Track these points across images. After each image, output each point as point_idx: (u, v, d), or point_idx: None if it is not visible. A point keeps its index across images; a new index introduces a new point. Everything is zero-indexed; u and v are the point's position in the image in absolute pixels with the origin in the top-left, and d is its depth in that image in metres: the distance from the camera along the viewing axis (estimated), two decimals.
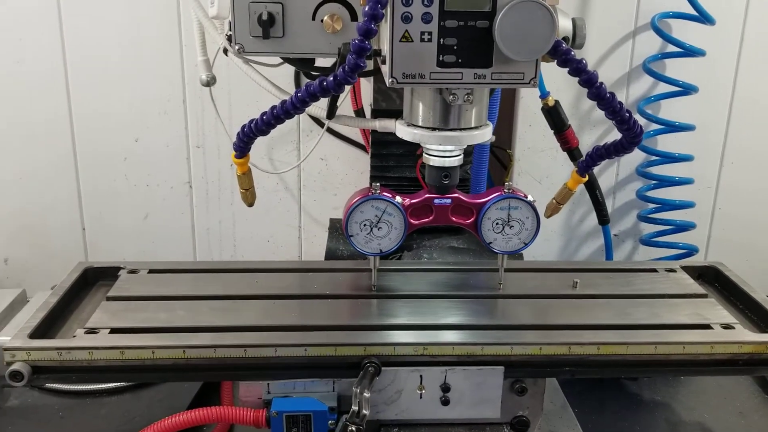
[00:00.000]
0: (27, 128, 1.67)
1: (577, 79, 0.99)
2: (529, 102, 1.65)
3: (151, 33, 1.62)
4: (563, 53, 0.95)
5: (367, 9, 0.89)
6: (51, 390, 1.36)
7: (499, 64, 0.96)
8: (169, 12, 1.61)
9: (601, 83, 0.99)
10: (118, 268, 1.29)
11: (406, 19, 0.93)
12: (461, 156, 1.11)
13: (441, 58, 0.95)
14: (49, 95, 1.65)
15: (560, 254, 1.82)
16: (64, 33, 1.62)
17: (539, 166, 1.73)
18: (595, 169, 1.31)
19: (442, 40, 0.94)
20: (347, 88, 1.11)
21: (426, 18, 0.93)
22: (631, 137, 1.06)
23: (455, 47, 0.95)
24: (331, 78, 0.95)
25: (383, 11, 0.90)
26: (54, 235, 1.76)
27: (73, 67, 1.64)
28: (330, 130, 1.69)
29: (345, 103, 1.47)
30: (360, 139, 1.69)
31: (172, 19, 1.62)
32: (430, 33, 0.94)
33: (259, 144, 1.09)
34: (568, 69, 0.97)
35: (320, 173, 1.76)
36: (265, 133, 1.05)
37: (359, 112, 1.52)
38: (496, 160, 1.70)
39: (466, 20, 0.94)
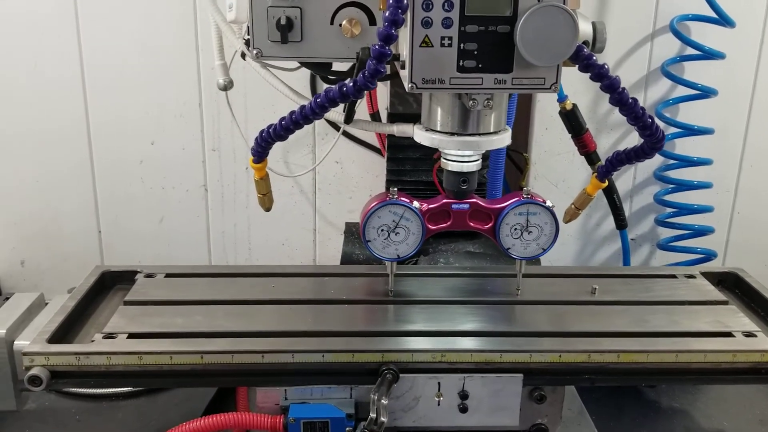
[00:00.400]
0: (44, 132, 1.68)
1: (598, 84, 0.98)
2: (545, 105, 1.63)
3: (168, 37, 1.63)
4: (585, 58, 0.94)
5: (387, 14, 0.88)
6: (68, 393, 1.37)
7: (519, 69, 0.95)
8: (186, 17, 1.61)
9: (623, 88, 0.98)
10: (135, 272, 1.29)
11: (427, 24, 0.93)
12: (480, 161, 1.10)
13: (461, 63, 0.95)
14: (66, 99, 1.66)
15: (576, 258, 1.81)
16: (81, 37, 1.62)
17: (556, 169, 1.71)
18: (613, 174, 1.30)
19: (462, 45, 0.94)
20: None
21: (446, 23, 0.93)
22: (652, 143, 1.04)
23: (475, 52, 0.94)
24: (351, 83, 0.94)
25: (403, 16, 0.89)
26: (70, 238, 1.77)
27: (90, 71, 1.65)
28: (345, 134, 1.69)
29: (361, 107, 1.46)
30: (375, 143, 1.68)
31: (189, 24, 1.62)
32: (450, 38, 0.93)
33: (275, 147, 1.09)
34: (589, 74, 0.96)
35: (335, 176, 1.76)
36: (283, 138, 1.05)
37: (375, 116, 1.51)
38: (512, 163, 1.69)
39: (486, 25, 0.93)
